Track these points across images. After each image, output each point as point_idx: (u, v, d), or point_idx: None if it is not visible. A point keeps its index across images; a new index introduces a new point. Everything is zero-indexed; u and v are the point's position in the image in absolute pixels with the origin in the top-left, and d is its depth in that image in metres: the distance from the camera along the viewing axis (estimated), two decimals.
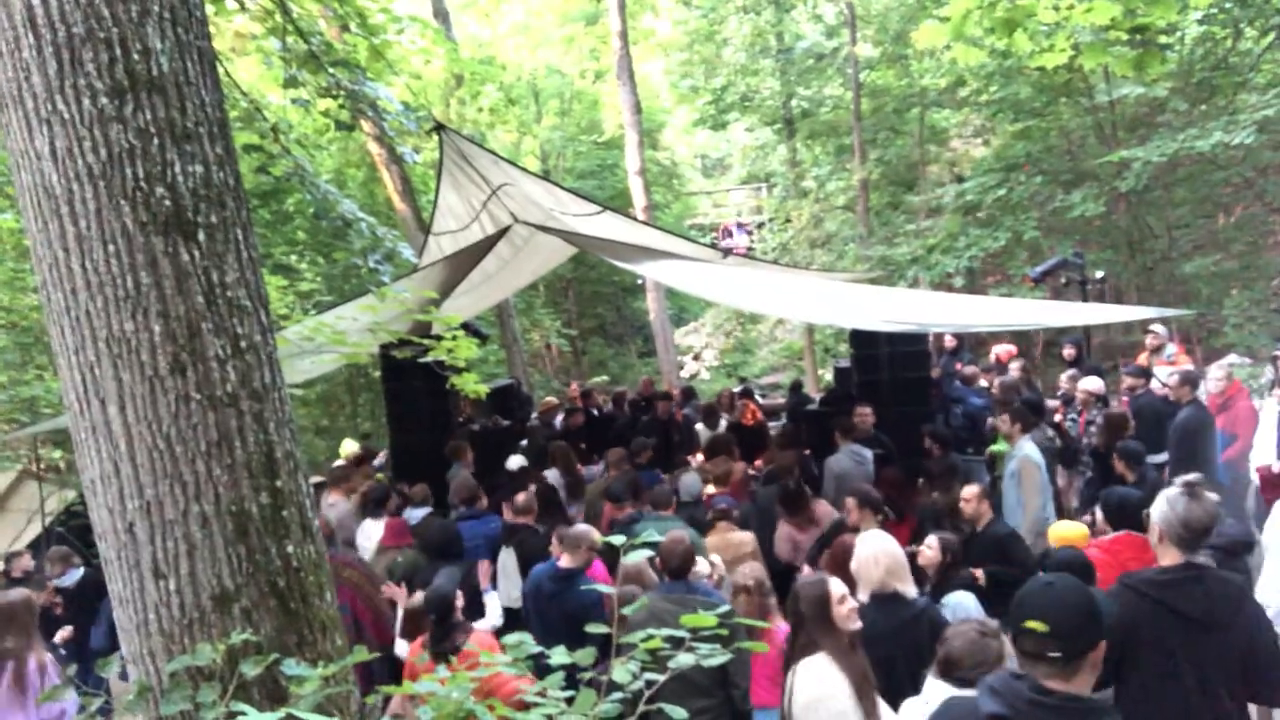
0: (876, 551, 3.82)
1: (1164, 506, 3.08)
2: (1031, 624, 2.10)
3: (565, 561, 4.91)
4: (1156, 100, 12.40)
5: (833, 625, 3.23)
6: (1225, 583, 3.01)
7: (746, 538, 5.58)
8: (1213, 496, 3.11)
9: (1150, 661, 2.94)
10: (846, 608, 3.28)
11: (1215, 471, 6.54)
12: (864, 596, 3.75)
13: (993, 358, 10.28)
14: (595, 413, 10.73)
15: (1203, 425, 6.65)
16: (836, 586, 3.32)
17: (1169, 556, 3.06)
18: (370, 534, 6.53)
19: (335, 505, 7.24)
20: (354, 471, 7.91)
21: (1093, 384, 7.63)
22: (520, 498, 6.06)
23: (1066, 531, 4.62)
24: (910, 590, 3.81)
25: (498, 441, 9.41)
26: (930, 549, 4.61)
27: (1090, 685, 2.15)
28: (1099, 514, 4.58)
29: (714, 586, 4.67)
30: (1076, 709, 2.07)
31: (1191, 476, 3.15)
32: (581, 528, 5.12)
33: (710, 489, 6.76)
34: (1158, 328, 8.81)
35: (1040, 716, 2.06)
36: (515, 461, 8.15)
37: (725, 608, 2.24)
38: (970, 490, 5.16)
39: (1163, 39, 10.30)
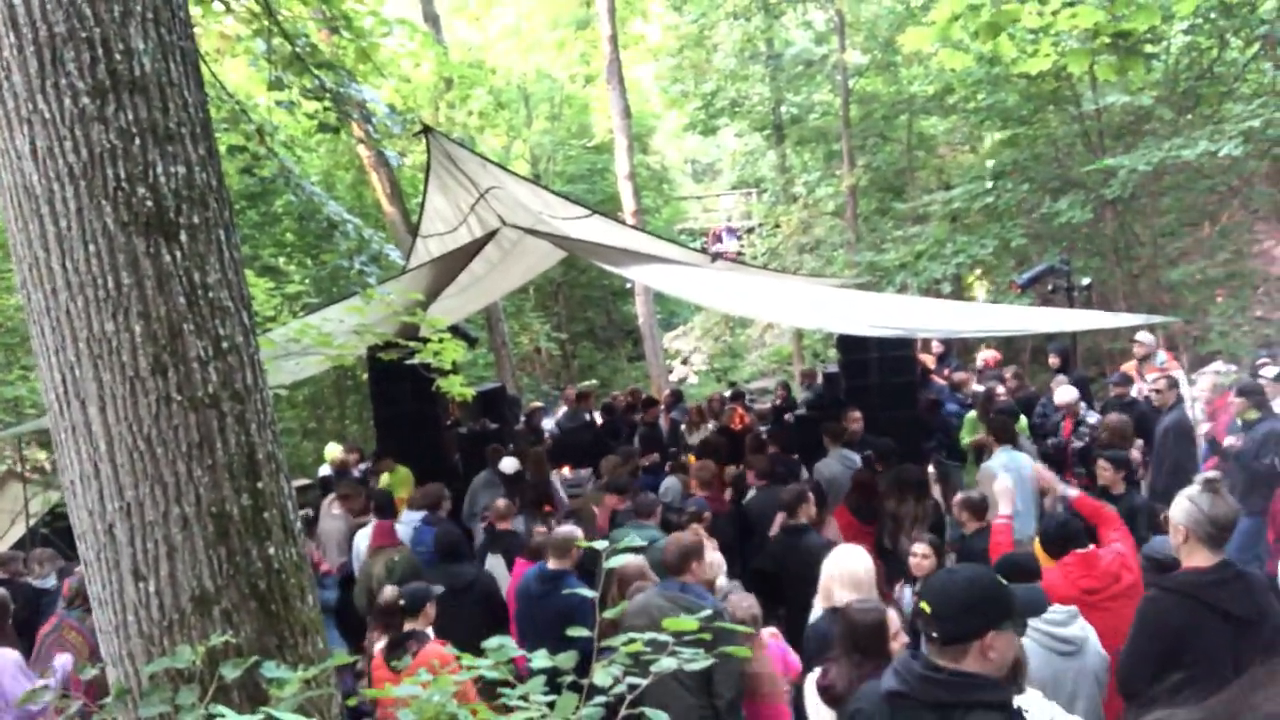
0: (842, 569, 3.82)
1: (1189, 506, 3.03)
2: (922, 605, 2.28)
3: (553, 564, 4.91)
4: (1143, 109, 12.48)
5: (888, 658, 3.11)
6: (1257, 577, 3.06)
7: (716, 559, 4.94)
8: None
9: (1194, 663, 2.88)
10: (900, 642, 3.20)
11: (1195, 474, 6.59)
12: (819, 610, 3.77)
13: (980, 363, 10.32)
14: (589, 417, 10.75)
15: (1187, 430, 6.73)
16: (893, 618, 3.25)
17: (1198, 557, 3.01)
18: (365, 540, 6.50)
19: (339, 517, 7.21)
20: (359, 487, 7.76)
21: (1067, 395, 7.46)
22: (500, 504, 6.08)
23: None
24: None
25: (486, 444, 9.39)
26: (926, 557, 4.59)
27: (993, 669, 2.18)
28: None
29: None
30: (963, 684, 2.14)
31: (1210, 474, 3.12)
32: (568, 529, 5.11)
33: (697, 492, 6.73)
34: (1144, 335, 8.82)
35: (930, 691, 2.16)
36: (509, 464, 8.14)
37: (707, 612, 2.24)
38: (954, 500, 5.19)
39: (1149, 48, 10.39)
